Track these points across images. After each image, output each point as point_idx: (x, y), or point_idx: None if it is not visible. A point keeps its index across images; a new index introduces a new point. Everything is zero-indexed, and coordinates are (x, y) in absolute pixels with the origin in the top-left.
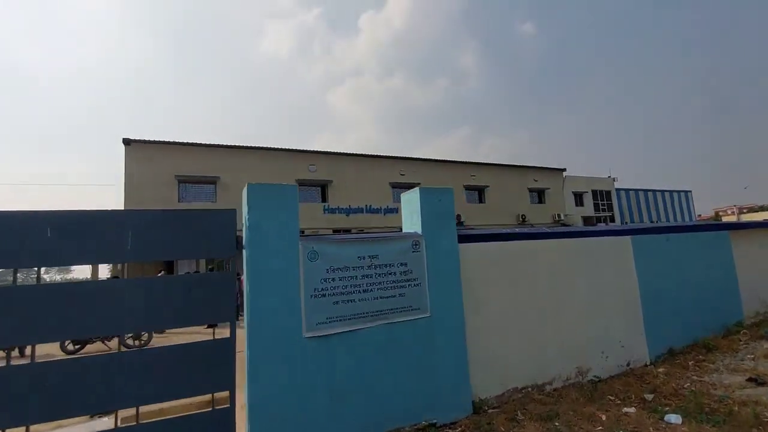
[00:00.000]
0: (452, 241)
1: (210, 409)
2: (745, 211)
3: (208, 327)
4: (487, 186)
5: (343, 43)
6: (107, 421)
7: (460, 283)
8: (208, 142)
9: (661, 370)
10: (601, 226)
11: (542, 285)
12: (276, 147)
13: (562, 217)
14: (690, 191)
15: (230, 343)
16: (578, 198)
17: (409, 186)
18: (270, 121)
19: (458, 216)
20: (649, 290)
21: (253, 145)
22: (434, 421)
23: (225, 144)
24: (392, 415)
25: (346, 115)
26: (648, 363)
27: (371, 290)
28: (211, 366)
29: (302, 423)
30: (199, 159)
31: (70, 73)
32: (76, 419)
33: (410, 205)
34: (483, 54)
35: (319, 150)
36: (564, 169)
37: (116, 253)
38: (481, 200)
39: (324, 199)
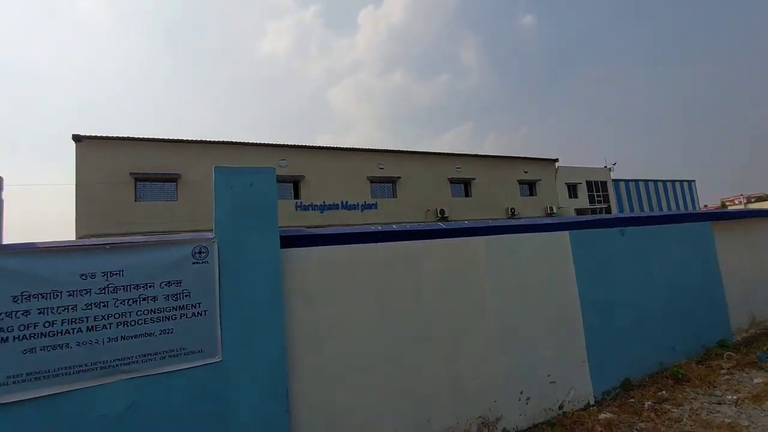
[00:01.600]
0: (270, 244)
1: None
2: (753, 200)
3: None
4: (474, 178)
5: (342, 40)
6: None
7: (281, 308)
8: (168, 137)
9: (604, 416)
10: (535, 220)
11: (429, 304)
12: (244, 141)
13: (555, 210)
14: (693, 181)
15: None
16: (572, 189)
17: (389, 180)
18: (269, 123)
19: (441, 210)
20: (596, 302)
21: (218, 140)
22: None
23: (187, 139)
24: None
25: (346, 114)
26: (591, 403)
27: (105, 327)
28: None
29: None
30: (158, 155)
31: (59, 74)
32: None
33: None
34: (484, 49)
35: (290, 144)
36: (556, 160)
37: None
38: (467, 194)
39: (296, 195)
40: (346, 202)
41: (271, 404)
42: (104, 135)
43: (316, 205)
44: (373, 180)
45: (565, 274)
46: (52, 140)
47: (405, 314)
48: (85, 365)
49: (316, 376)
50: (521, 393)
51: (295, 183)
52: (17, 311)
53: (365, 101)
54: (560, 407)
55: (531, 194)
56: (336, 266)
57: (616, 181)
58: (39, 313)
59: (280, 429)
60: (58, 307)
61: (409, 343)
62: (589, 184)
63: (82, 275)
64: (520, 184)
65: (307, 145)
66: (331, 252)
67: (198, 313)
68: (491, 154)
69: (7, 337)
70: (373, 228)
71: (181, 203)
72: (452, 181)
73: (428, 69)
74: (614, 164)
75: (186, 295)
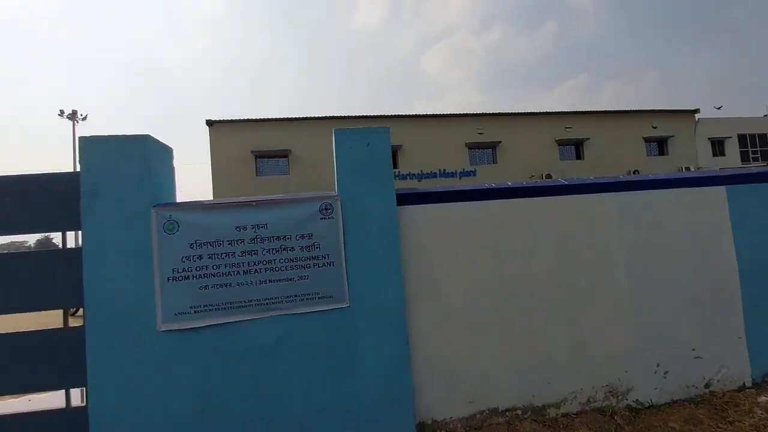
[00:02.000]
0: (387, 201)
1: (63, 407)
2: None
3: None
4: (587, 138)
5: (435, 1)
6: None
7: (398, 261)
8: (280, 117)
9: (766, 399)
10: (680, 174)
11: (548, 264)
12: (345, 115)
13: (693, 170)
14: None
15: (83, 332)
16: (717, 146)
17: (488, 145)
18: (361, 97)
19: (548, 175)
20: (760, 272)
21: (321, 116)
22: None
23: (295, 117)
24: None
25: (441, 79)
26: (748, 385)
27: (256, 271)
28: (63, 358)
29: None
30: (271, 134)
31: (187, 67)
32: None
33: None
34: None
35: (386, 114)
36: (696, 110)
37: None
38: (578, 156)
39: (395, 165)
40: (444, 170)
41: (392, 349)
42: (229, 118)
43: (414, 174)
44: (471, 146)
45: (720, 237)
46: (189, 124)
47: (522, 274)
48: (244, 302)
49: (433, 328)
50: (657, 366)
51: (393, 153)
52: (193, 255)
53: (461, 64)
54: (706, 386)
55: (661, 153)
56: (449, 223)
57: None
58: (209, 258)
59: (401, 373)
60: (221, 254)
61: (526, 304)
62: (742, 138)
63: (237, 227)
64: (646, 141)
65: (404, 114)
66: (444, 209)
67: (327, 263)
68: (609, 109)
69: (188, 276)
70: (487, 185)
71: (292, 176)
72: (561, 142)
73: (531, 19)
74: None
75: (317, 247)
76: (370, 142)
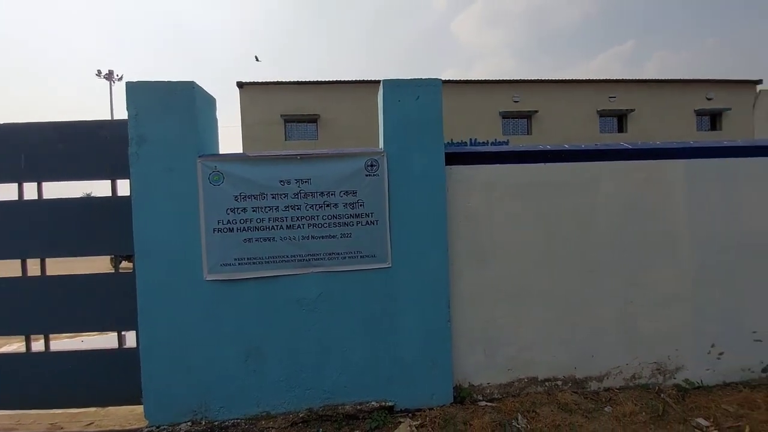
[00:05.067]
0: (435, 160)
1: (116, 347)
2: None
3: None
4: (632, 110)
5: None
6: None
7: (445, 223)
8: (309, 80)
9: None
10: (762, 141)
11: (603, 234)
12: (376, 79)
13: None
14: None
15: (133, 278)
16: None
17: (525, 115)
18: (389, 65)
19: None
20: None
21: (351, 79)
22: (390, 403)
23: (324, 80)
24: (328, 387)
25: (473, 44)
26: None
27: (299, 227)
28: (116, 302)
29: (211, 376)
30: (301, 98)
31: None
32: None
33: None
34: None
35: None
36: (758, 81)
37: (11, 174)
38: (621, 129)
39: None
40: (475, 139)
41: (434, 312)
42: (259, 81)
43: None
44: (505, 115)
45: None
46: (220, 86)
47: (573, 243)
48: (286, 256)
49: (476, 294)
50: (712, 346)
51: None
52: (237, 208)
53: (496, 27)
54: (764, 370)
55: (713, 128)
56: (501, 186)
57: None
58: (252, 211)
59: (442, 336)
60: (265, 207)
61: (575, 274)
62: None
63: (281, 181)
64: (698, 115)
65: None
66: (496, 171)
67: (371, 221)
68: (659, 78)
69: (233, 228)
70: (541, 147)
71: (321, 142)
72: (602, 114)
73: None
74: None
75: (360, 205)
76: (420, 96)
